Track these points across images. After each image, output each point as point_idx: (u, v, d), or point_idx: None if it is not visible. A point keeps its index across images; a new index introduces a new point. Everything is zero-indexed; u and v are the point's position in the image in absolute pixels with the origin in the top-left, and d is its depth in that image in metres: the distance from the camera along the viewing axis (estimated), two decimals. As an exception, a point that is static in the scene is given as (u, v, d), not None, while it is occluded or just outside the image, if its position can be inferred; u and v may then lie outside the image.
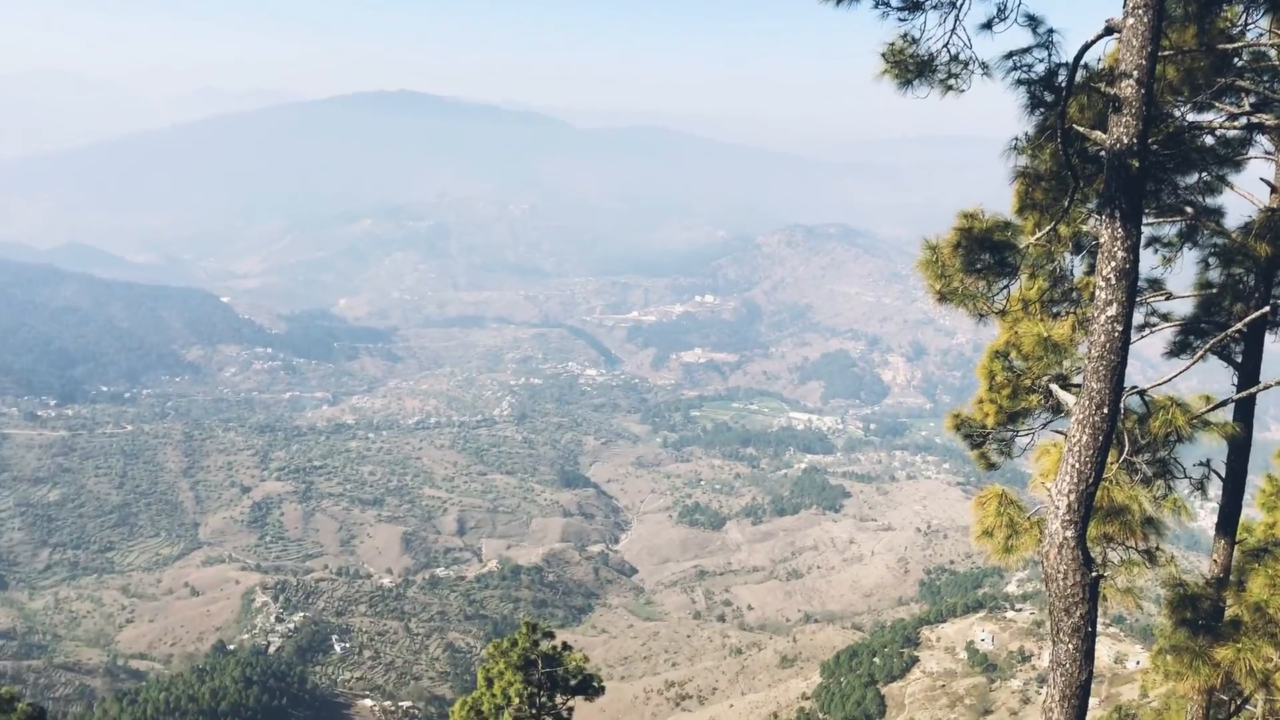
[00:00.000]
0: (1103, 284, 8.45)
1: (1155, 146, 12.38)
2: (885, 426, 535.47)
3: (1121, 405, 11.00)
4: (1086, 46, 10.44)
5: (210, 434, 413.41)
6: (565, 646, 27.49)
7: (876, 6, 10.68)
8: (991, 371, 12.83)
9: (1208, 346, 12.64)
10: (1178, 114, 13.01)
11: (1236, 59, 13.21)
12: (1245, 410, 13.05)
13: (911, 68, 10.54)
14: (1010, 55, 11.66)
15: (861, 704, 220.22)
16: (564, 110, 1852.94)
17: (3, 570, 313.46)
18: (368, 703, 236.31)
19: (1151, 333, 14.01)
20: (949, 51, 10.83)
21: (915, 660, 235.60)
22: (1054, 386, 11.07)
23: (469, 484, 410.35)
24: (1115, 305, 8.41)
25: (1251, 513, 15.85)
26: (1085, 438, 7.87)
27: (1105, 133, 9.40)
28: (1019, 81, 11.52)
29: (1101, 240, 8.56)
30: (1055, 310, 12.06)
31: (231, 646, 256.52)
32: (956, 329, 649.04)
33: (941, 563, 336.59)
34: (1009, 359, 12.65)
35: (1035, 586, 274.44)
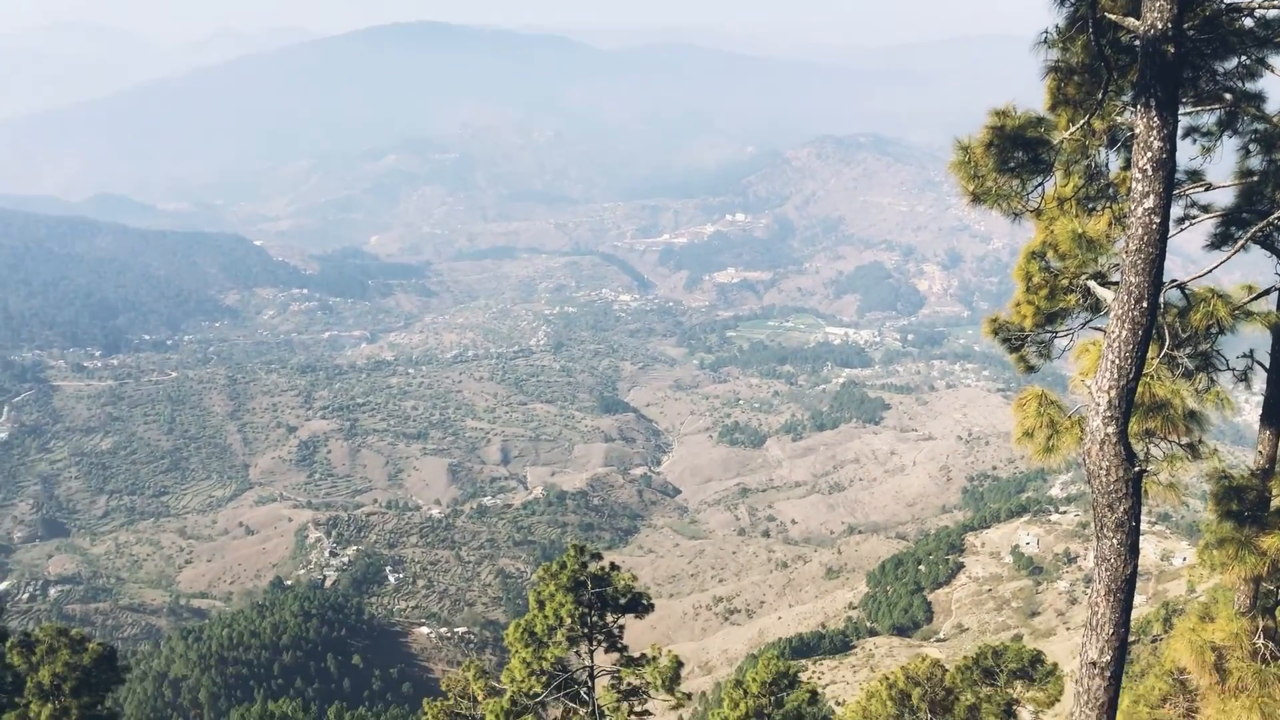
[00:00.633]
0: (1139, 175, 8.29)
1: (1191, 32, 12.00)
2: (923, 337, 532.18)
3: (1161, 299, 10.87)
4: (1117, -69, 10.08)
5: (253, 377, 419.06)
6: (613, 567, 27.91)
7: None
8: (1028, 273, 12.68)
9: (1249, 235, 12.38)
10: (1214, -4, 12.57)
11: (1275, -65, 12.67)
12: (1288, 299, 12.84)
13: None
14: (1038, -55, 11.29)
15: (909, 611, 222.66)
16: (584, 31, 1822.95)
17: (63, 518, 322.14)
18: (424, 630, 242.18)
19: (1191, 225, 13.74)
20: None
21: (960, 566, 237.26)
22: (1092, 284, 10.94)
23: (510, 414, 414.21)
24: (1153, 197, 8.26)
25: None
26: (1125, 333, 7.80)
27: (1138, 19, 9.13)
28: (1048, -29, 11.15)
29: (1137, 131, 8.38)
30: (1091, 207, 11.86)
31: (289, 582, 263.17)
32: (992, 234, 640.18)
33: (984, 469, 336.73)
34: (1045, 259, 12.50)
35: (1079, 489, 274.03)
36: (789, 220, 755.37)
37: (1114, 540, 7.98)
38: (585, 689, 27.35)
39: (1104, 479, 7.91)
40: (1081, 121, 10.59)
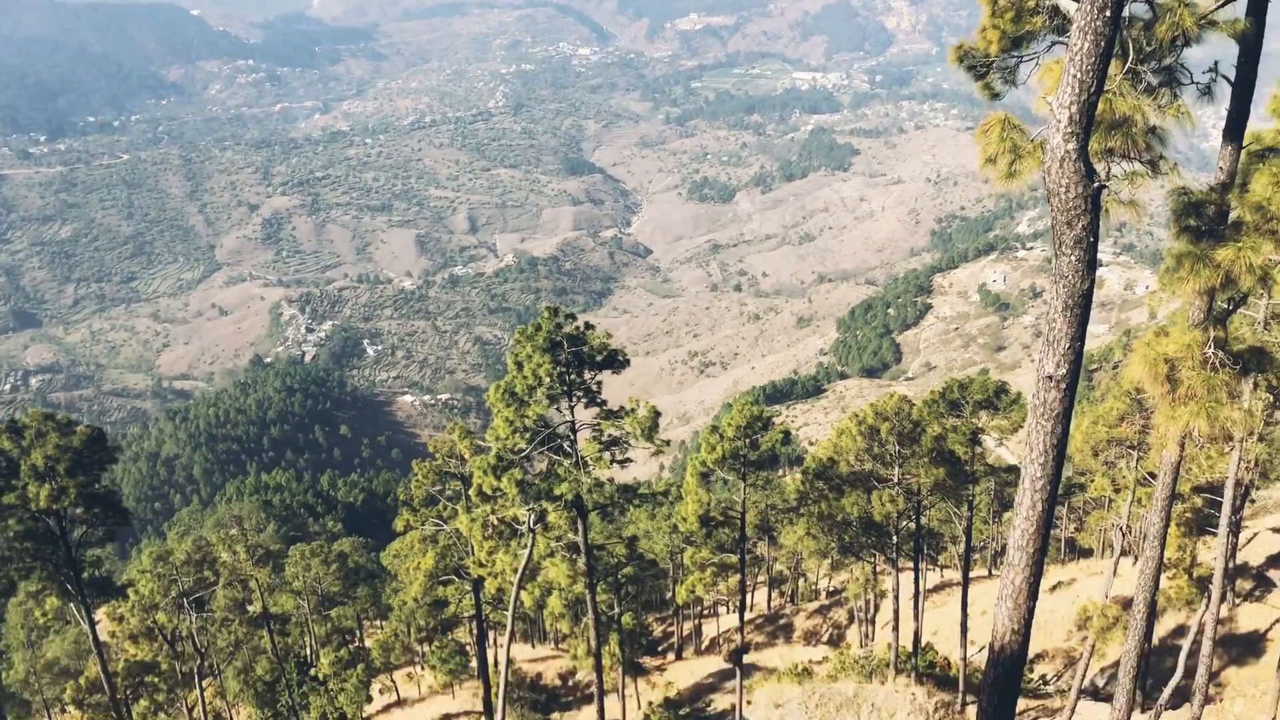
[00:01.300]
0: (1107, -127, 7.87)
1: None
2: (891, 77, 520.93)
3: (1126, 11, 10.58)
4: None
5: (208, 155, 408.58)
6: (588, 327, 28.28)
7: None
8: (994, -5, 12.24)
9: (1220, -62, 11.95)
10: None
11: None
12: (1258, 5, 12.52)
13: None
14: None
15: (878, 353, 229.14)
16: None
17: (33, 309, 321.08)
18: (407, 398, 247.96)
19: (1163, -65, 13.19)
20: None
21: (929, 307, 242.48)
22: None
23: (474, 181, 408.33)
24: (1121, -103, 7.88)
25: (1264, 125, 15.60)
26: (1087, 45, 7.63)
27: None
28: None
29: None
30: (1060, -82, 11.33)
31: (268, 360, 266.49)
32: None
33: (952, 210, 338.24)
34: (1012, -21, 12.04)
35: (1046, 223, 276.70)
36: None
37: (1072, 257, 8.10)
38: (568, 442, 28.30)
39: (1063, 196, 7.94)
40: None
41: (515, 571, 29.11)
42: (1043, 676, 39.70)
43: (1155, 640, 35.23)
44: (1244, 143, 13.06)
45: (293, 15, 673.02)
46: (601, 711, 30.34)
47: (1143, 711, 27.96)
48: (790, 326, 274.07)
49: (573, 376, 27.85)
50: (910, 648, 36.14)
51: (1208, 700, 26.03)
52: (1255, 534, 42.76)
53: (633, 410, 27.71)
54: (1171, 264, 11.69)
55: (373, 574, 68.47)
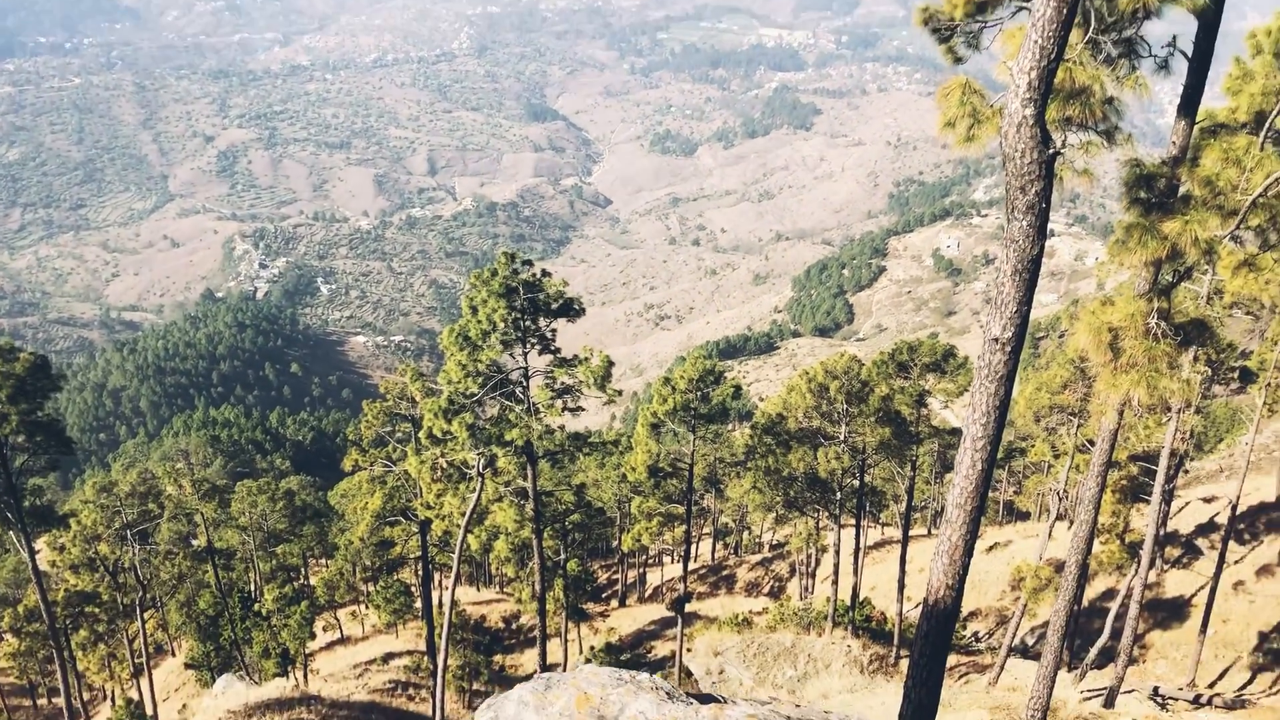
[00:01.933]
0: None
1: None
2: (857, 38, 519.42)
3: (1091, -20, 10.70)
4: None
5: (163, 83, 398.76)
6: (545, 274, 28.19)
7: None
8: (963, -42, 12.30)
9: (1185, -88, 12.09)
10: None
11: None
12: (1218, -16, 12.72)
13: None
14: None
15: (831, 313, 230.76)
16: None
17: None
18: (360, 339, 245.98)
19: (1132, -93, 13.30)
20: None
21: (883, 270, 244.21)
22: (1024, -34, 10.71)
23: (435, 122, 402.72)
24: None
25: (1218, 104, 15.86)
26: (1049, 11, 7.73)
27: None
28: None
29: None
30: (1031, -116, 11.38)
31: (220, 294, 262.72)
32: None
33: (911, 174, 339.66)
34: (981, -57, 12.10)
35: (1002, 192, 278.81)
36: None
37: (1024, 222, 8.26)
38: (520, 388, 28.34)
39: (1019, 161, 8.08)
40: None
41: (463, 515, 29.24)
42: (975, 634, 40.75)
43: (1085, 602, 36.23)
44: (1197, 118, 13.33)
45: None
46: (544, 655, 30.71)
47: (1069, 670, 28.84)
48: (746, 283, 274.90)
49: (527, 323, 27.82)
50: (849, 601, 36.90)
51: (1131, 661, 26.91)
52: (1187, 503, 43.95)
53: (586, 359, 27.77)
54: (1121, 235, 11.94)
55: (320, 512, 68.35)
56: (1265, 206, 11.72)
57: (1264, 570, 34.85)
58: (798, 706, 12.88)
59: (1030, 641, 37.79)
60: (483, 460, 28.33)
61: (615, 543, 61.71)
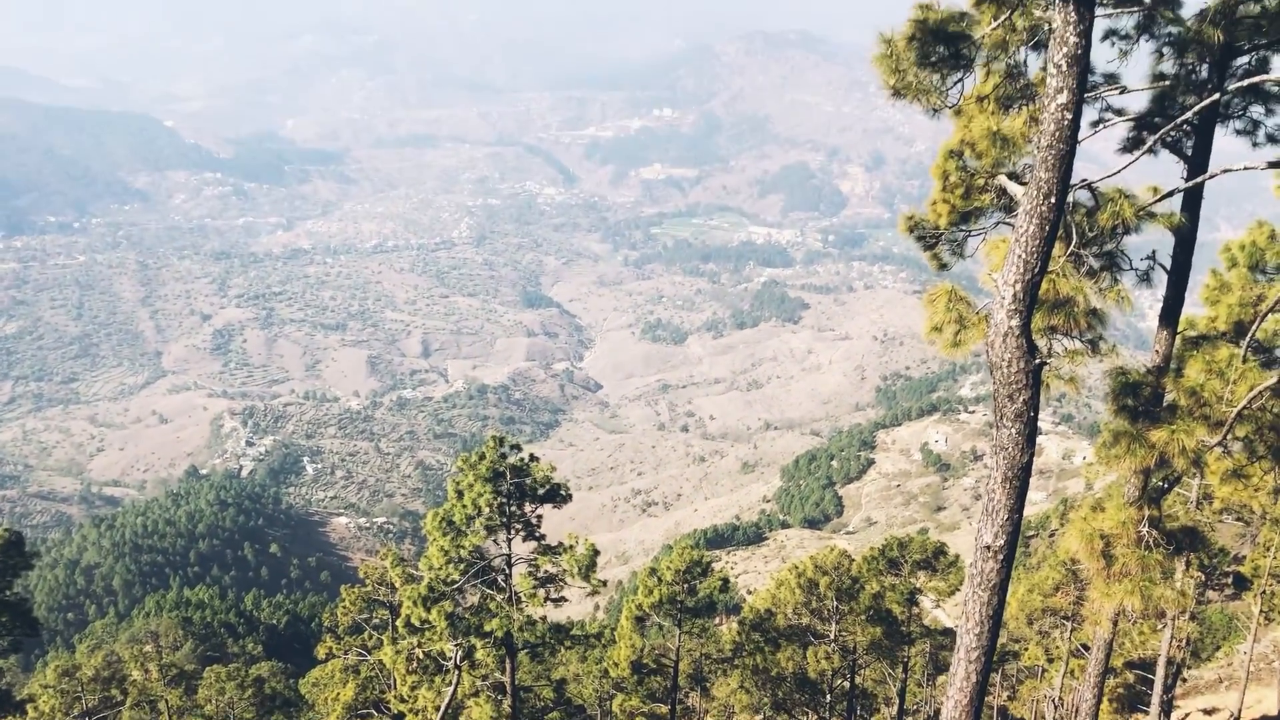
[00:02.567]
0: (1054, 70, 8.40)
1: (1115, -69, 12.10)
2: (844, 238, 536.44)
3: (1070, 197, 11.10)
4: None
5: (165, 262, 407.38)
6: (532, 458, 28.11)
7: None
8: (945, 171, 12.80)
9: (1157, 136, 12.69)
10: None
11: None
12: (1192, 202, 13.23)
13: None
14: None
15: (820, 505, 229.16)
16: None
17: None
18: (342, 520, 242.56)
19: (1106, 127, 13.99)
20: None
21: (871, 462, 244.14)
22: (1005, 181, 11.13)
23: (431, 306, 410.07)
24: (1066, 93, 8.38)
25: (1198, 311, 16.25)
26: (1032, 228, 7.97)
27: (1064, -85, 9.12)
28: None
29: (1055, 26, 8.45)
30: (1009, 106, 11.97)
31: (204, 471, 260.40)
32: (916, 136, 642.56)
33: (897, 369, 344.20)
34: (962, 158, 12.62)
35: (988, 389, 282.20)
36: (716, 117, 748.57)
37: (1012, 430, 8.26)
38: (502, 576, 27.81)
39: (1006, 370, 8.15)
40: (1004, 18, 10.64)
41: (438, 710, 28.12)
42: None
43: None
44: (1179, 328, 13.66)
45: (266, 134, 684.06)
46: None
47: None
48: (735, 471, 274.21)
49: (513, 508, 27.57)
50: (839, 813, 35.11)
51: None
52: (1187, 715, 42.62)
53: (571, 547, 27.38)
54: (1109, 439, 12.02)
55: (289, 701, 65.67)
56: (1250, 418, 11.87)
57: (1271, 788, 33.44)
58: None
59: None
60: (460, 651, 27.51)
61: (596, 742, 59.12)
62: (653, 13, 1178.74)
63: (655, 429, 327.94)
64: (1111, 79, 14.15)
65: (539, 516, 28.13)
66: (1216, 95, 12.72)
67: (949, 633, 47.17)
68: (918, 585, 35.28)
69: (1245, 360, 12.31)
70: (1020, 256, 8.01)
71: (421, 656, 29.02)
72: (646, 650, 37.73)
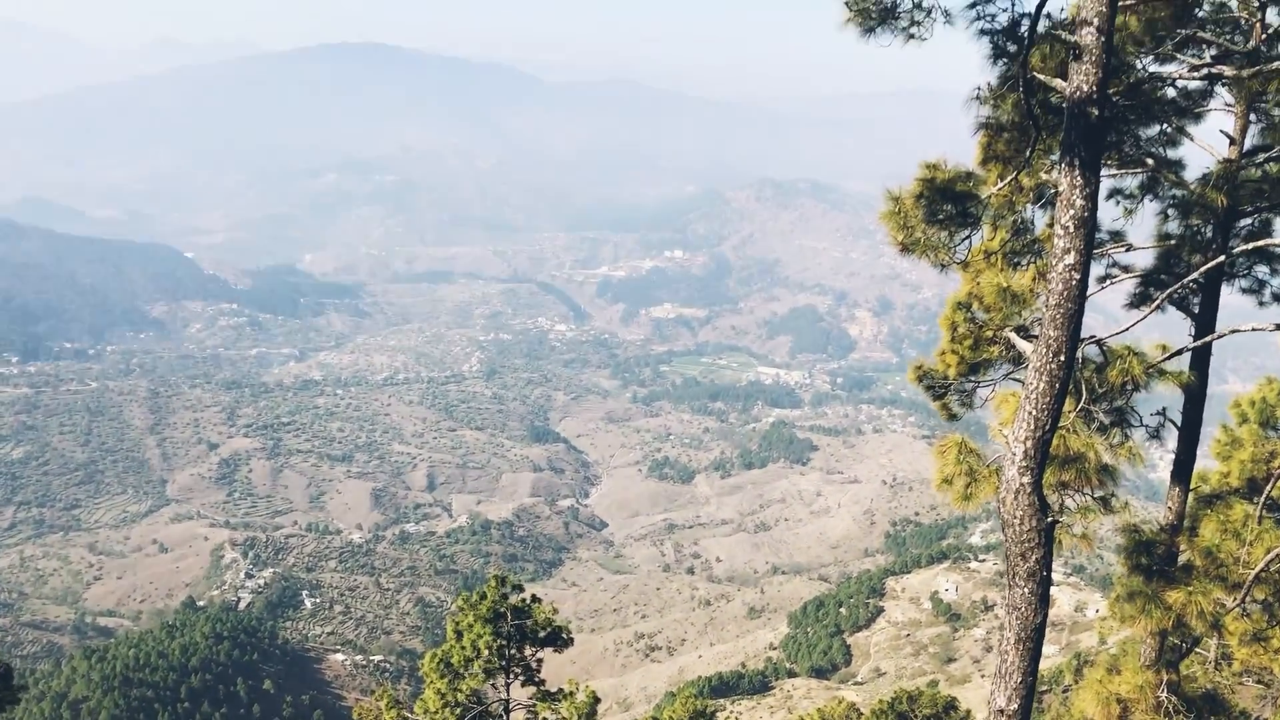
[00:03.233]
0: (1061, 232, 8.54)
1: (1117, 97, 12.45)
2: (852, 380, 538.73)
3: (1079, 353, 11.14)
4: (1050, -4, 10.43)
5: (176, 390, 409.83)
6: (534, 599, 27.66)
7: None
8: (954, 322, 12.92)
9: (1164, 296, 12.82)
10: (1140, 65, 13.05)
11: (1198, 9, 13.20)
12: (1201, 360, 13.26)
13: (874, 15, 10.47)
14: (973, 5, 11.58)
15: (828, 653, 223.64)
16: (532, 63, 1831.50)
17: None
18: (339, 657, 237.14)
19: (1112, 284, 14.18)
20: None
21: (880, 610, 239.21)
22: (1013, 336, 11.18)
23: (438, 440, 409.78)
24: (1073, 254, 8.50)
25: (1209, 463, 16.15)
26: (1042, 385, 7.97)
27: (1067, 81, 9.44)
28: (982, 32, 11.41)
29: (1061, 189, 8.64)
30: (1016, 261, 12.16)
31: (201, 603, 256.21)
32: (923, 283, 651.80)
33: (906, 515, 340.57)
34: (971, 310, 12.75)
35: (998, 537, 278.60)
36: (726, 259, 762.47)
37: (1025, 589, 8.10)
38: (500, 722, 27.02)
39: (1018, 528, 8.04)
40: (1010, 178, 10.88)
41: None
42: None
43: None
44: (1191, 484, 13.54)
45: (284, 267, 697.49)
46: None
47: None
48: (741, 616, 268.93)
49: (513, 651, 27.00)
50: None
51: None
52: None
53: (572, 693, 26.70)
54: (1123, 595, 11.76)
55: None
56: (1269, 580, 11.64)
57: None
58: None
59: None
60: (454, 804, 26.46)
61: None
62: (665, 160, 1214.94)
63: (660, 570, 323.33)
64: (1117, 236, 14.40)
65: (539, 660, 27.54)
66: (1222, 257, 12.90)
67: (961, 793, 45.40)
68: (929, 742, 34.05)
69: (1261, 521, 12.13)
70: (1030, 413, 7.99)
71: (413, 807, 27.94)
72: (647, 805, 36.29)
